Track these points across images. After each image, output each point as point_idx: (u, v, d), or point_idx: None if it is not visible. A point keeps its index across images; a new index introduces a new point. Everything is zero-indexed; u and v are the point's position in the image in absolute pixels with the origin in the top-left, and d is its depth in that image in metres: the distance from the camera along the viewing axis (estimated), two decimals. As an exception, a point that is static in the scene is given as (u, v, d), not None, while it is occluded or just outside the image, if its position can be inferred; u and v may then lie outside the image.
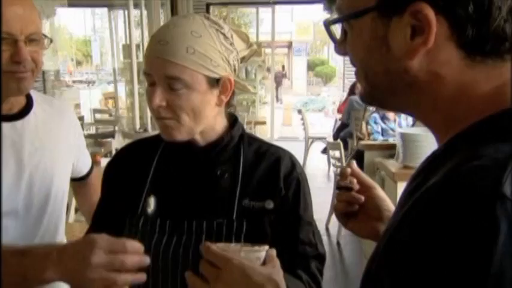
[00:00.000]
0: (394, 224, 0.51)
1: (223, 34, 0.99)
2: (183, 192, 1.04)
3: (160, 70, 0.94)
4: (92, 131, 5.79)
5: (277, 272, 0.75)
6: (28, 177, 1.16)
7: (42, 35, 1.08)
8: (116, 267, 0.79)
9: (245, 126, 5.70)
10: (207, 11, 8.23)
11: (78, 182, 1.45)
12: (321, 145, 7.28)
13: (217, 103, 1.01)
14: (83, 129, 5.55)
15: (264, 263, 0.76)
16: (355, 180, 0.89)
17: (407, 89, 0.56)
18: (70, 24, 24.59)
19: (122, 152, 1.17)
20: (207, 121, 1.01)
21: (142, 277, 0.83)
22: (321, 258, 1.06)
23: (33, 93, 1.25)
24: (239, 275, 0.71)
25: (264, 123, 7.37)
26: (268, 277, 0.72)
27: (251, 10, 13.99)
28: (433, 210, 0.45)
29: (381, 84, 0.59)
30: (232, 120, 1.10)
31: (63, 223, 1.33)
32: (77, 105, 11.30)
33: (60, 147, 1.26)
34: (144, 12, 5.78)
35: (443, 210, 0.44)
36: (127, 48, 5.99)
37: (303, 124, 7.74)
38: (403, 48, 0.53)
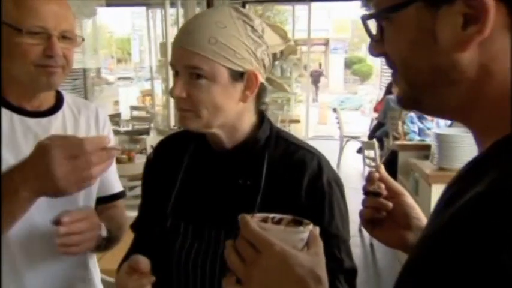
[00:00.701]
0: (429, 235, 0.47)
1: (252, 26, 0.94)
2: (206, 199, 1.02)
3: (181, 60, 0.93)
4: (129, 127, 5.91)
5: (320, 263, 0.66)
6: None
7: (75, 35, 1.10)
8: (83, 168, 0.85)
9: (279, 125, 5.69)
10: (243, 8, 8.24)
11: (104, 205, 1.26)
12: (357, 144, 7.17)
13: (242, 99, 0.95)
14: (119, 126, 5.70)
15: (307, 243, 0.67)
16: (383, 186, 0.84)
17: (451, 87, 0.51)
18: (112, 23, 25.18)
19: (157, 150, 1.15)
20: (228, 117, 0.96)
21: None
22: (348, 273, 0.97)
23: (67, 96, 1.24)
24: (279, 263, 0.62)
25: (298, 121, 7.32)
26: (310, 270, 0.63)
27: (287, 8, 13.91)
28: (475, 225, 0.41)
29: (423, 84, 0.54)
30: (261, 118, 1.04)
31: None
32: (116, 102, 11.61)
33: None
34: (181, 11, 5.87)
35: (488, 226, 0.40)
36: (164, 46, 6.09)
37: (338, 123, 7.64)
38: (454, 40, 0.48)
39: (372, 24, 0.59)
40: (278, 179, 0.98)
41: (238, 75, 0.93)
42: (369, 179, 0.85)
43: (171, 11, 5.94)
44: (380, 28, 0.57)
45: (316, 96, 17.76)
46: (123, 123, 5.87)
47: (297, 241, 0.66)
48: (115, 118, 5.98)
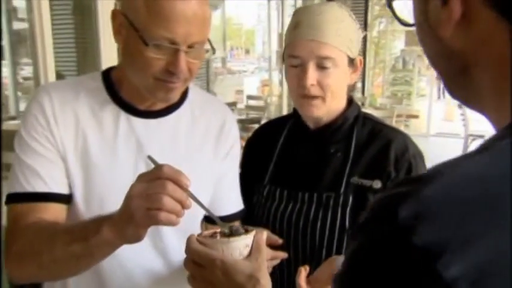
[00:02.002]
0: None
1: (354, 19, 1.12)
2: (300, 167, 1.17)
3: (313, 51, 1.06)
4: (244, 116, 6.15)
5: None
6: None
7: (208, 42, 0.94)
8: (156, 192, 0.73)
9: (394, 120, 5.45)
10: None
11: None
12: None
13: (349, 81, 1.14)
14: (236, 114, 5.95)
15: (251, 250, 0.77)
16: None
17: (462, 75, 0.47)
18: (241, 15, 26.26)
19: (258, 131, 1.35)
20: (339, 98, 1.13)
21: None
22: None
23: (194, 91, 1.10)
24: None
25: (416, 116, 6.92)
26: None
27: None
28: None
29: (440, 72, 0.51)
30: (349, 101, 1.19)
31: None
32: (239, 92, 12.13)
33: (199, 160, 1.05)
34: (299, 2, 5.91)
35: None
36: (281, 37, 6.19)
37: (464, 120, 7.05)
38: (436, 21, 0.45)
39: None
40: (365, 151, 1.12)
41: (351, 61, 1.11)
42: None
43: (290, 1, 6.01)
44: None
45: (442, 91, 16.54)
46: (240, 111, 6.12)
47: (242, 247, 0.75)
48: (231, 106, 6.26)
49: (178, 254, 0.88)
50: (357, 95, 7.74)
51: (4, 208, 0.94)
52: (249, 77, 14.73)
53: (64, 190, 0.95)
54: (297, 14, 1.13)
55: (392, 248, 0.36)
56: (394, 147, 1.11)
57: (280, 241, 1.01)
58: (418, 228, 0.34)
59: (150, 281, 1.03)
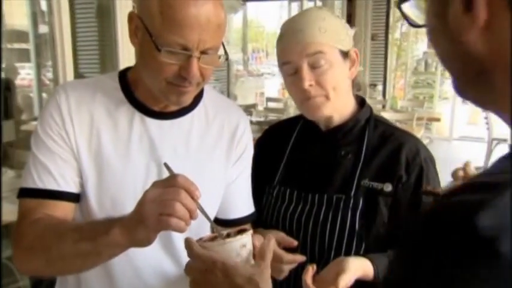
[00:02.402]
0: None
1: (337, 17, 1.15)
2: (310, 168, 1.18)
3: (301, 52, 1.07)
4: (262, 118, 6.18)
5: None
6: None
7: (222, 46, 0.95)
8: (169, 198, 0.76)
9: (414, 123, 5.37)
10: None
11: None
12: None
13: (349, 76, 1.14)
14: (252, 116, 5.98)
15: (254, 248, 0.80)
16: None
17: (478, 77, 0.48)
18: (263, 17, 26.31)
19: (268, 131, 1.35)
20: (344, 94, 1.13)
21: None
22: None
23: (209, 93, 1.10)
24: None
25: (438, 119, 6.80)
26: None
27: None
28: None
29: (456, 73, 0.52)
30: (360, 103, 1.20)
31: None
32: (261, 94, 12.15)
33: (211, 162, 1.07)
34: (319, 3, 5.90)
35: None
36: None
37: (487, 123, 6.90)
38: (457, 26, 0.46)
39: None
40: (377, 154, 1.13)
41: (345, 54, 1.11)
42: (455, 177, 0.89)
43: (309, 4, 6.01)
44: None
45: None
46: (258, 113, 6.14)
47: (238, 247, 0.78)
48: (250, 108, 6.28)
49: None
50: (378, 98, 7.66)
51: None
52: (270, 79, 14.72)
53: (74, 189, 0.97)
54: (282, 27, 1.15)
55: (476, 258, 0.35)
56: (406, 150, 1.12)
57: (295, 243, 1.02)
58: (503, 238, 0.34)
59: (159, 280, 1.04)
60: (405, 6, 0.57)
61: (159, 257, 1.03)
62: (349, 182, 1.12)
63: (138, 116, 1.00)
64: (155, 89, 0.95)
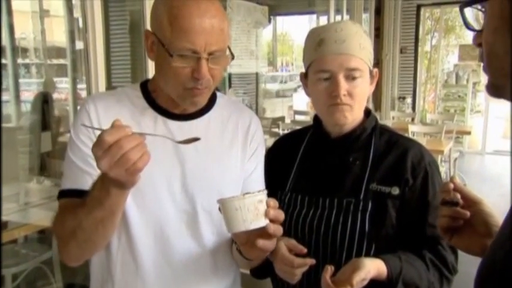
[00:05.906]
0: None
1: (367, 33, 1.22)
2: (320, 174, 1.24)
3: (342, 64, 1.15)
4: (287, 130, 6.24)
5: None
6: (182, 182, 1.10)
7: (228, 49, 1.06)
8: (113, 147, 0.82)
9: (442, 135, 5.28)
10: (418, 12, 7.90)
11: None
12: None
13: (368, 92, 1.23)
14: (279, 128, 6.04)
15: (267, 205, 0.92)
16: (458, 195, 0.88)
17: None
18: (291, 30, 26.47)
19: (278, 142, 1.42)
20: (362, 107, 1.21)
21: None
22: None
23: (222, 97, 1.21)
24: None
25: (468, 133, 6.66)
26: None
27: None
28: None
29: (504, 71, 0.56)
30: (367, 113, 1.27)
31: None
32: (290, 107, 12.20)
33: (230, 159, 1.16)
34: (346, 17, 5.93)
35: None
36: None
37: (520, 137, 6.73)
38: None
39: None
40: (383, 160, 1.20)
41: (370, 72, 1.21)
42: (444, 190, 0.91)
43: (337, 18, 6.05)
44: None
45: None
46: (284, 126, 6.19)
47: (256, 202, 0.91)
48: (277, 121, 6.33)
49: (210, 240, 1.12)
50: (407, 111, 7.59)
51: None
52: (299, 93, 14.78)
53: None
54: (317, 32, 1.20)
55: None
56: (411, 155, 1.18)
57: (305, 250, 1.07)
58: None
59: (188, 267, 1.12)
60: (467, 10, 0.63)
61: (186, 244, 1.11)
62: (358, 186, 1.18)
63: (160, 119, 1.10)
64: (173, 95, 1.06)
